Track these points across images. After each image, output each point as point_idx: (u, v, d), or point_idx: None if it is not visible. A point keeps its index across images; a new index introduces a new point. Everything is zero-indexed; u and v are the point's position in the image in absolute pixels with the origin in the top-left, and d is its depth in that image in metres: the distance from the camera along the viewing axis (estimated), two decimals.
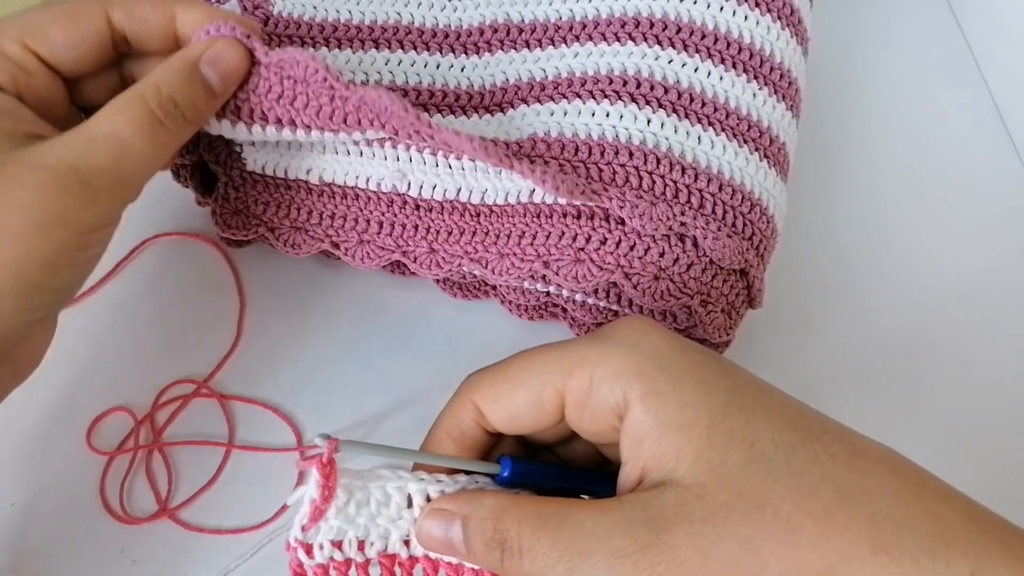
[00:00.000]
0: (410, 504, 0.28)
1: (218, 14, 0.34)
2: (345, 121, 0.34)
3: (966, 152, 0.49)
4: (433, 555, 0.29)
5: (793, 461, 0.25)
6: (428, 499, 0.28)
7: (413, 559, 0.29)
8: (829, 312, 0.44)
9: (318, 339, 0.42)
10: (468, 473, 0.29)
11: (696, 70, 0.37)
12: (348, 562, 0.28)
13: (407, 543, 0.29)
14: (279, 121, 0.34)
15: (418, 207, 0.37)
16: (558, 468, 0.32)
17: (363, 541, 0.28)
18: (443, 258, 0.37)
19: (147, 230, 0.43)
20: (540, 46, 0.39)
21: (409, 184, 0.37)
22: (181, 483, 0.38)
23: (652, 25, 0.38)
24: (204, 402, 0.40)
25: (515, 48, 0.40)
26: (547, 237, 0.35)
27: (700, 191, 0.35)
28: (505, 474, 0.29)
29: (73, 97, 0.35)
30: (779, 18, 0.39)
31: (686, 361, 0.27)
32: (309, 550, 0.28)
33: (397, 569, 0.29)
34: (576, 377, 0.27)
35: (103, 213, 0.31)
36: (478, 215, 0.37)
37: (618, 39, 0.38)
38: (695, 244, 0.35)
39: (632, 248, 0.34)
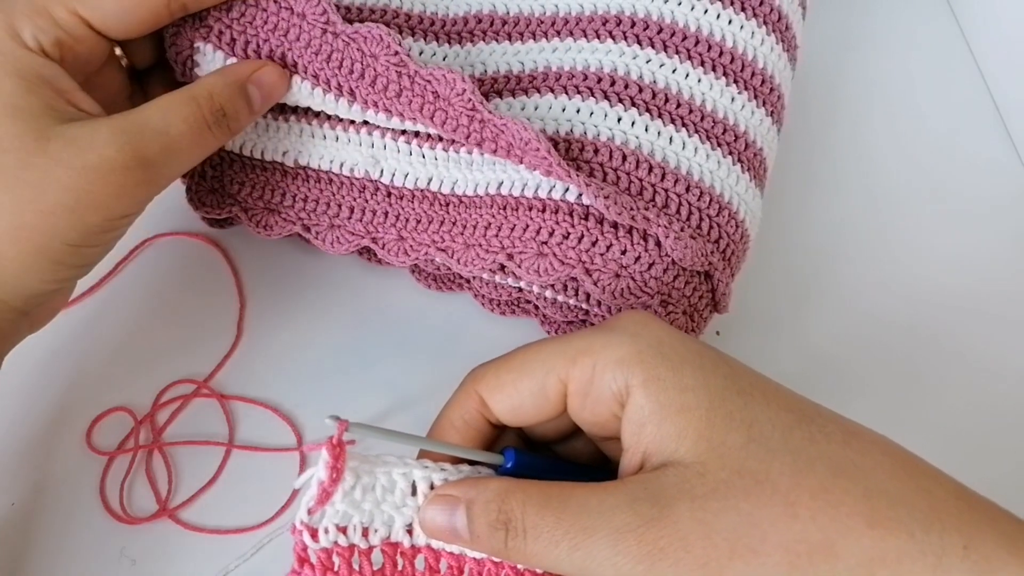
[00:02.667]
0: (414, 492, 0.29)
1: None
2: (399, 97, 0.34)
3: (966, 152, 0.49)
4: (436, 544, 0.29)
5: (790, 440, 0.26)
6: (432, 487, 0.28)
7: (415, 548, 0.29)
8: (828, 311, 0.44)
9: (318, 339, 0.42)
10: (472, 463, 0.30)
11: (674, 71, 0.37)
12: (351, 548, 0.28)
13: (410, 532, 0.29)
14: (339, 89, 0.35)
15: (389, 194, 0.38)
16: (560, 462, 0.32)
17: (367, 528, 0.28)
18: (411, 246, 0.38)
19: (147, 230, 0.43)
20: (522, 39, 0.40)
21: (382, 171, 0.38)
22: (181, 483, 0.38)
23: (634, 24, 0.38)
24: (204, 402, 0.40)
25: (496, 40, 0.40)
26: (512, 229, 0.35)
27: (666, 191, 0.35)
28: (508, 465, 0.29)
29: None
30: (765, 23, 0.39)
31: (686, 350, 0.27)
32: (314, 534, 0.28)
33: (399, 558, 0.29)
34: (579, 365, 0.28)
35: (135, 203, 0.32)
36: (447, 205, 0.37)
37: (598, 36, 0.38)
38: (657, 243, 0.35)
39: (594, 244, 0.34)
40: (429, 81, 0.34)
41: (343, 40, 0.35)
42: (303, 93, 0.36)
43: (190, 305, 0.42)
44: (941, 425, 0.41)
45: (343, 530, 0.28)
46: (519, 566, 0.28)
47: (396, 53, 0.34)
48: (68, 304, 0.41)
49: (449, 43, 0.40)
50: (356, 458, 0.28)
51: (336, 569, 0.28)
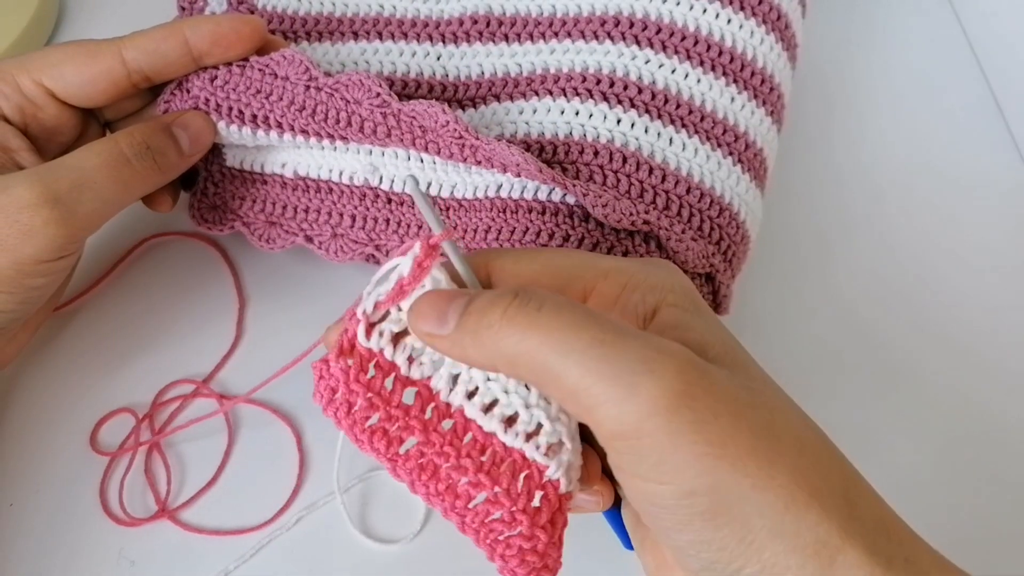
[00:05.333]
0: None
1: (224, 20, 0.35)
2: (389, 136, 0.35)
3: (967, 151, 0.48)
4: (469, 413, 0.25)
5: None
6: None
7: (449, 407, 0.26)
8: (829, 310, 0.43)
9: (318, 339, 0.41)
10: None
11: (674, 71, 0.37)
12: (392, 366, 0.25)
13: (452, 387, 0.26)
14: (331, 137, 0.37)
15: (389, 200, 0.38)
16: None
17: (414, 357, 0.25)
18: None
19: (147, 230, 0.43)
20: (519, 40, 0.40)
21: (381, 178, 0.38)
22: (181, 484, 0.38)
23: (632, 25, 0.37)
24: (204, 402, 0.40)
25: (493, 41, 0.40)
26: (512, 232, 0.35)
27: (667, 192, 0.35)
28: None
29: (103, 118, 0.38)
30: (764, 22, 0.38)
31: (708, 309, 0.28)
32: (370, 330, 0.25)
33: (431, 411, 0.25)
34: (611, 280, 0.27)
35: (49, 246, 0.32)
36: (447, 209, 0.37)
37: (596, 37, 0.38)
38: (659, 245, 0.35)
39: (595, 246, 0.35)
40: (413, 117, 0.34)
41: (326, 92, 0.35)
42: (294, 143, 0.37)
43: (190, 305, 0.42)
44: (942, 424, 0.40)
45: (395, 341, 0.25)
46: (503, 373, 0.25)
47: (378, 95, 0.34)
48: (67, 304, 0.41)
49: (444, 42, 0.40)
50: (441, 270, 0.25)
51: (368, 379, 0.25)
